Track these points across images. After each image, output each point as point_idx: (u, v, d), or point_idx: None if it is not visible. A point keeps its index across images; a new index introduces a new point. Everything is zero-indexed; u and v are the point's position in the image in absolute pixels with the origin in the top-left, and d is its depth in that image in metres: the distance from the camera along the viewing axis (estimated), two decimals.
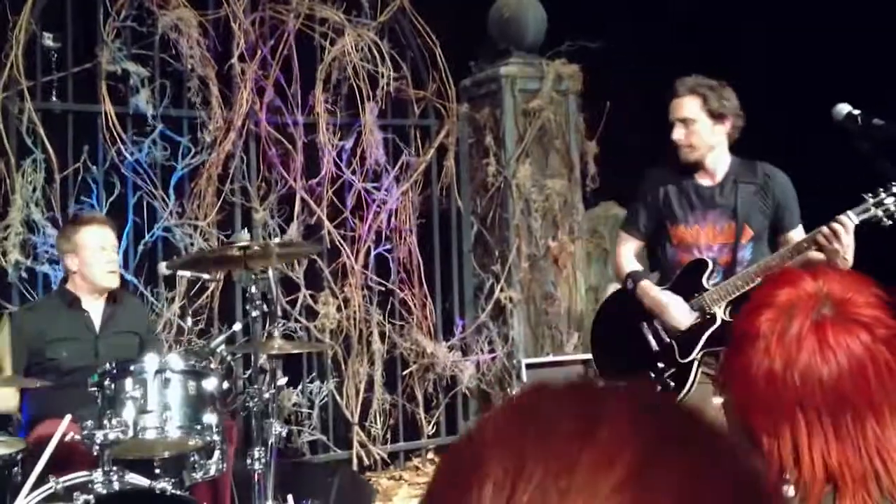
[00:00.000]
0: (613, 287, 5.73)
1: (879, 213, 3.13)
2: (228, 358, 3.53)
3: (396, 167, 5.44)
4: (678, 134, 3.46)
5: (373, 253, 5.34)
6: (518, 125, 5.53)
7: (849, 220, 3.12)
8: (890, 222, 3.13)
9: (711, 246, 3.46)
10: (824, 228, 3.14)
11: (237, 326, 4.08)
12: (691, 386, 3.36)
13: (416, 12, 5.45)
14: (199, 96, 4.92)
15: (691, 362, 3.37)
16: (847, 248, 3.12)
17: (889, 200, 3.11)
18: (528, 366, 5.23)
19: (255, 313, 3.23)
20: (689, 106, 3.45)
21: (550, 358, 5.38)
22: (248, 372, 4.38)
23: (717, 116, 3.43)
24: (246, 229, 4.16)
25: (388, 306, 5.39)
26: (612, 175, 5.71)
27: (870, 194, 3.14)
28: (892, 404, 1.19)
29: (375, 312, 5.31)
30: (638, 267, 3.65)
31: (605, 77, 5.48)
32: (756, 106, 3.55)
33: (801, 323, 1.22)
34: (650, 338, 3.47)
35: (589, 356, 5.42)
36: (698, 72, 3.49)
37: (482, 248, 5.69)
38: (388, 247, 5.39)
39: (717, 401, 1.32)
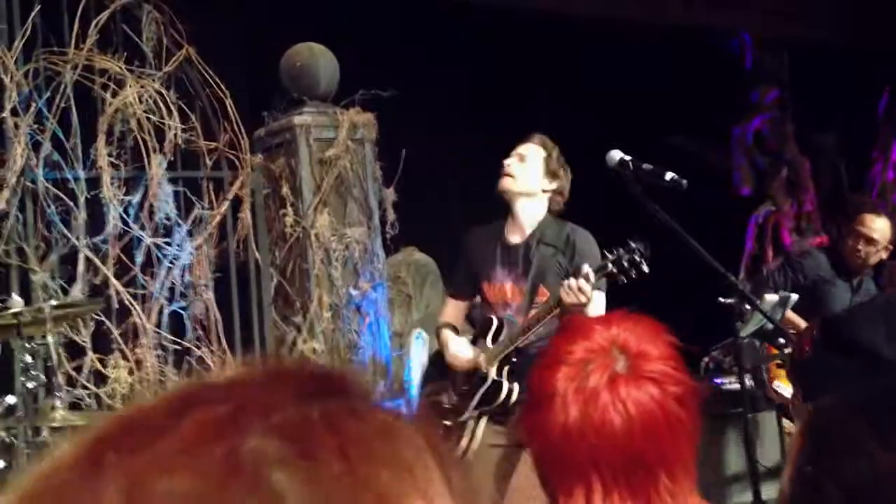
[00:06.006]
0: (416, 332, 5.74)
1: (615, 270, 3.19)
2: (3, 434, 3.25)
3: (189, 221, 5.23)
4: (509, 160, 3.49)
5: (166, 311, 5.10)
6: (314, 174, 5.45)
7: (590, 273, 3.16)
8: (624, 279, 3.20)
9: (513, 304, 3.49)
10: (567, 282, 3.17)
11: (11, 399, 3.77)
12: (467, 446, 3.31)
13: (203, 62, 5.28)
14: None
15: (466, 421, 3.35)
16: (590, 302, 3.16)
17: (626, 259, 3.18)
18: None
19: (31, 384, 2.99)
20: (532, 149, 3.50)
21: None
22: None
23: (550, 173, 3.48)
24: (14, 295, 3.83)
25: (185, 365, 5.15)
26: (411, 221, 5.73)
27: (609, 252, 3.24)
28: (685, 463, 1.19)
29: (171, 373, 5.06)
30: (447, 321, 3.67)
31: (400, 124, 5.50)
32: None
33: (596, 379, 1.22)
34: (443, 395, 3.50)
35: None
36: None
37: (283, 300, 5.55)
38: (182, 304, 5.16)
39: None
